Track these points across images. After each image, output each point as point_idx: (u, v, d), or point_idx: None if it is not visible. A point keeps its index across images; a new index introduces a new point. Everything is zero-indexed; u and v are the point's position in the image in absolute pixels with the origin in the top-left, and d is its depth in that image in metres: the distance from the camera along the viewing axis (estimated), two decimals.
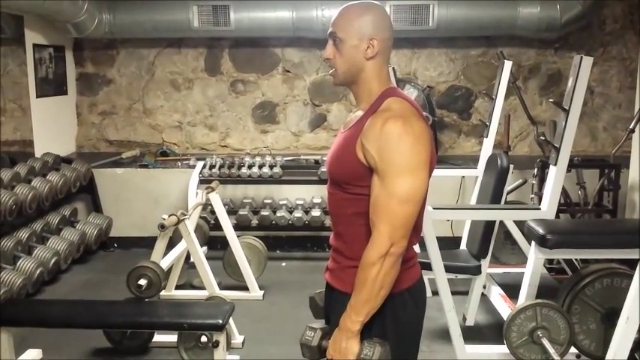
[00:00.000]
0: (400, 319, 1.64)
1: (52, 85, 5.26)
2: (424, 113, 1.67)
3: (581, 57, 2.83)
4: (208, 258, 3.69)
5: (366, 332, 1.58)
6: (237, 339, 3.39)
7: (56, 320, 2.89)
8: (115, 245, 5.13)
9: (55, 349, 3.30)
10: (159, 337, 3.35)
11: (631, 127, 3.93)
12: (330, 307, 1.75)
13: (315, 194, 4.93)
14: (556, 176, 2.97)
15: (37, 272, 3.99)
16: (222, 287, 3.83)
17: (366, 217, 1.56)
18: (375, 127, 1.54)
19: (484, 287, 3.76)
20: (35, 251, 4.16)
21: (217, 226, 4.27)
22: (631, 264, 2.51)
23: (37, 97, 4.95)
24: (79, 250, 4.62)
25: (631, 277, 2.38)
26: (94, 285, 4.36)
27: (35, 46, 4.94)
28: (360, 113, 1.65)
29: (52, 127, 5.29)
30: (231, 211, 4.66)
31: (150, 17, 5.15)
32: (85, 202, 5.09)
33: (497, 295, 3.72)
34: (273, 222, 4.78)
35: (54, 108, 5.31)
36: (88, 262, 4.80)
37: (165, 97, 5.67)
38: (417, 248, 3.59)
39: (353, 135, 1.60)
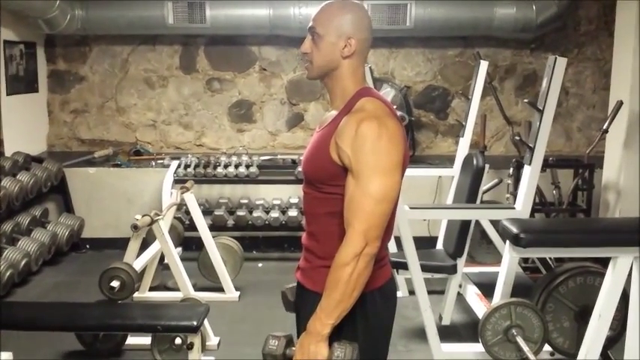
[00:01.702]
0: (371, 318, 1.63)
1: (22, 83, 5.15)
2: (399, 113, 1.67)
3: (556, 57, 2.86)
4: (183, 259, 3.65)
5: (336, 333, 1.55)
6: (213, 341, 3.36)
7: (27, 323, 2.85)
8: (87, 246, 5.04)
9: (26, 352, 3.23)
10: (132, 340, 3.31)
11: (605, 127, 3.99)
12: (301, 307, 1.73)
13: (292, 194, 4.90)
14: (530, 176, 2.99)
15: (7, 274, 3.91)
16: (197, 289, 3.79)
17: (339, 217, 1.55)
18: (349, 127, 1.54)
19: (460, 286, 3.78)
20: (5, 252, 4.06)
21: (192, 226, 4.22)
22: (604, 262, 2.54)
23: (8, 94, 4.84)
24: (50, 252, 4.54)
25: (603, 275, 2.41)
26: (65, 287, 4.29)
27: (6, 42, 4.83)
28: (334, 112, 1.65)
29: (23, 125, 5.17)
30: (207, 212, 4.61)
31: (123, 13, 5.08)
32: (56, 202, 4.99)
33: (472, 294, 3.73)
34: (250, 222, 4.74)
35: (24, 106, 5.20)
36: (59, 264, 4.71)
37: (139, 95, 5.59)
38: (393, 248, 3.59)
39: (327, 134, 1.60)
